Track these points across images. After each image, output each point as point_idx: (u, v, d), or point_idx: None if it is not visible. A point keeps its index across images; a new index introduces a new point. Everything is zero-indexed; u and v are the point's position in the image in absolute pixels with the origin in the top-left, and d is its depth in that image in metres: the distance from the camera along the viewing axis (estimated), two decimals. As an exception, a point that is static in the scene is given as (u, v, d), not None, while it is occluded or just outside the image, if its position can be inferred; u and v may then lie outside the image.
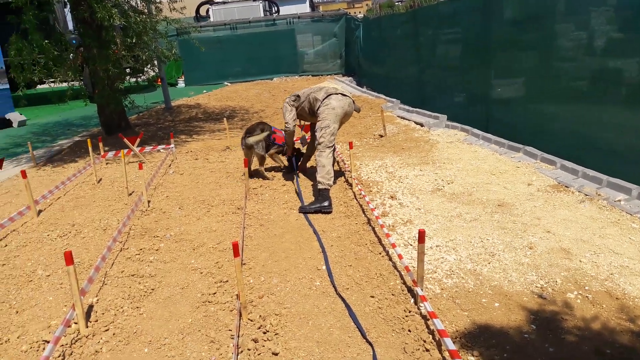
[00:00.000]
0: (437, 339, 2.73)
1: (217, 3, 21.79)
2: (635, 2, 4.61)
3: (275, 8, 22.33)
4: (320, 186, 4.95)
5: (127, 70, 9.11)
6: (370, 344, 2.73)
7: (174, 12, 9.34)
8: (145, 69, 10.25)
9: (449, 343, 2.44)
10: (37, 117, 14.51)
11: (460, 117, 7.74)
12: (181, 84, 19.15)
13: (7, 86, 13.79)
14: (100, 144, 7.37)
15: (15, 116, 13.42)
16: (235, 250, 2.93)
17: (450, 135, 7.21)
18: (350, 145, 5.37)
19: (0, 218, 5.36)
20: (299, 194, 5.31)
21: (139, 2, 8.37)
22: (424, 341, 2.74)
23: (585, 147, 5.19)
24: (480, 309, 3.01)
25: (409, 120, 8.59)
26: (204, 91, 16.89)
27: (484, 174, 5.32)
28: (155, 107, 13.35)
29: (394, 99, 10.48)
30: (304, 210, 4.81)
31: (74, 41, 9.23)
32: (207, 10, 20.98)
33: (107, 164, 7.53)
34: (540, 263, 3.41)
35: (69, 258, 3.02)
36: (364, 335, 2.81)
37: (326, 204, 4.78)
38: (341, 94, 5.21)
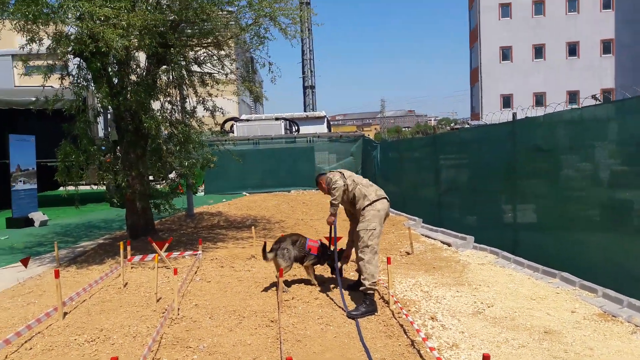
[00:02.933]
0: None
1: (242, 120, 23.09)
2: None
3: (296, 127, 23.57)
4: (368, 292, 5.11)
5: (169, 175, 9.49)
6: None
7: (204, 127, 9.94)
8: (166, 180, 10.68)
9: None
10: (58, 217, 14.72)
11: (483, 239, 7.79)
12: (200, 192, 19.61)
13: (35, 186, 14.25)
14: (129, 247, 7.39)
15: (38, 215, 13.65)
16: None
17: (480, 257, 7.20)
18: (389, 260, 5.36)
19: (25, 319, 5.26)
20: (342, 295, 5.36)
21: (185, 116, 8.98)
22: None
23: (621, 276, 5.16)
24: None
25: (434, 239, 8.64)
26: (224, 200, 17.25)
27: (523, 298, 5.22)
28: (176, 214, 13.54)
29: (415, 217, 10.62)
30: (351, 316, 4.91)
31: (102, 147, 9.72)
32: (232, 126, 22.14)
33: (132, 267, 7.49)
34: (604, 398, 3.23)
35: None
36: None
37: (372, 308, 5.00)
38: (385, 198, 5.49)
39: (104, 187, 19.02)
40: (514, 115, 7.60)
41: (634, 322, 4.33)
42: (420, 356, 4.00)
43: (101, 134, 15.65)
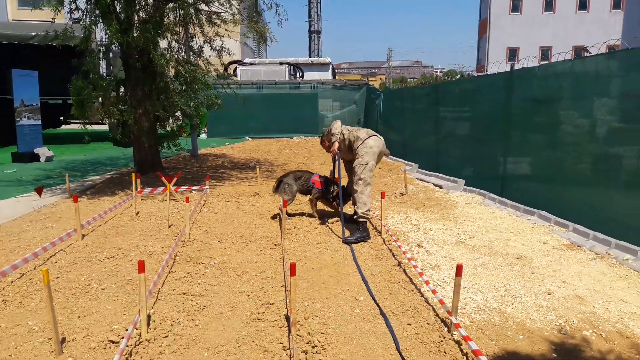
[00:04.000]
0: (471, 358, 3.06)
1: (245, 63, 23.12)
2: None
3: (300, 73, 23.61)
4: (360, 219, 5.71)
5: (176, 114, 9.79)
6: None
7: (210, 67, 10.14)
8: (172, 119, 11.00)
9: (483, 360, 2.79)
10: (62, 154, 15.11)
11: (475, 184, 8.26)
12: (203, 135, 19.95)
13: (40, 122, 14.53)
14: (138, 180, 7.85)
15: (43, 151, 14.02)
16: (293, 270, 3.33)
17: (469, 197, 7.71)
18: (382, 195, 5.84)
19: (46, 239, 5.77)
20: (342, 224, 5.89)
21: (191, 55, 9.20)
22: (459, 362, 3.07)
23: (595, 217, 5.65)
24: (506, 339, 3.35)
25: (427, 182, 9.13)
26: (227, 143, 17.64)
27: (502, 231, 5.75)
28: (181, 154, 13.97)
29: (412, 163, 11.08)
30: (346, 241, 5.49)
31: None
32: (235, 69, 22.18)
33: (141, 199, 7.98)
34: (557, 306, 3.77)
35: (141, 266, 3.41)
36: (398, 350, 3.16)
37: (366, 234, 5.57)
38: (376, 135, 6.05)
39: (107, 126, 19.35)
40: (512, 65, 7.89)
41: (595, 251, 4.87)
42: (405, 273, 4.54)
43: (103, 72, 15.80)
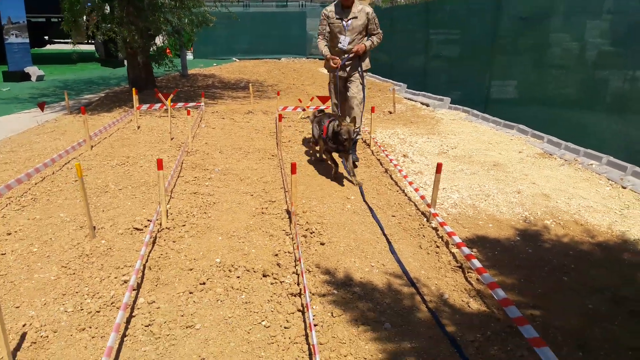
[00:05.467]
0: (445, 240, 3.63)
1: (231, -20, 22.39)
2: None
3: (288, -11, 23.09)
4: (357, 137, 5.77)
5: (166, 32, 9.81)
6: (388, 241, 3.64)
7: None
8: (159, 39, 10.98)
9: (456, 239, 3.34)
10: (52, 74, 15.07)
11: (460, 102, 8.67)
12: (189, 56, 19.79)
13: (27, 40, 14.35)
14: (136, 97, 8.11)
15: (34, 70, 13.98)
16: (294, 168, 3.79)
17: (453, 114, 8.16)
18: (373, 109, 6.24)
19: (56, 149, 6.13)
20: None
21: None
22: (435, 242, 3.64)
23: (570, 130, 6.15)
24: (477, 227, 3.93)
25: (415, 101, 9.52)
26: (214, 64, 17.61)
27: (482, 143, 6.26)
28: (170, 74, 14.04)
29: (401, 83, 11.39)
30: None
31: (88, 4, 9.94)
32: (220, -13, 21.57)
33: (140, 115, 8.28)
34: (525, 202, 4.34)
35: (160, 164, 3.84)
36: (384, 233, 3.72)
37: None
38: None
39: (93, 46, 18.96)
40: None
41: (565, 158, 5.43)
42: (392, 178, 5.05)
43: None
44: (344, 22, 5.19)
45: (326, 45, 5.40)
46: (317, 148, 5.71)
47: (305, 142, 6.64)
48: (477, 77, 8.43)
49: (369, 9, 5.26)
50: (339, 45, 5.30)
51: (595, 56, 6.04)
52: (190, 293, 2.93)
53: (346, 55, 5.29)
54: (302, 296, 2.90)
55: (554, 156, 5.57)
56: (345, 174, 5.12)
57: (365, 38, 5.36)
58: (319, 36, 5.44)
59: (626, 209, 4.18)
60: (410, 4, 12.40)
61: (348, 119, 4.88)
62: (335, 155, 5.11)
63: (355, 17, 5.18)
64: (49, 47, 19.81)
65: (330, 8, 5.29)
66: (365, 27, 5.26)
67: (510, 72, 7.63)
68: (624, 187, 4.61)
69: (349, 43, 5.27)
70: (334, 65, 5.27)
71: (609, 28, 5.91)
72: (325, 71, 6.15)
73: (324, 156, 5.53)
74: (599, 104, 5.86)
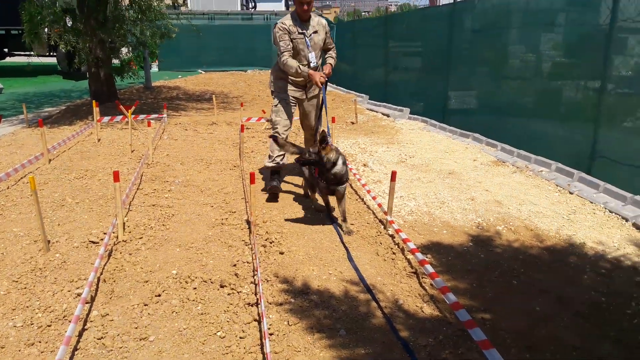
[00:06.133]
0: (401, 247, 3.73)
1: (196, -8, 22.42)
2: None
3: (253, 3, 23.19)
4: None
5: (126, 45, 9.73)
6: (347, 249, 3.71)
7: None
8: (123, 50, 10.90)
9: (411, 245, 3.43)
10: (11, 87, 14.68)
11: (419, 113, 8.90)
12: (154, 68, 19.61)
13: (-13, 52, 13.98)
14: (97, 109, 8.00)
15: (-9, 83, 13.62)
16: (252, 178, 3.83)
17: (412, 124, 8.35)
18: (333, 119, 6.34)
19: (13, 163, 5.99)
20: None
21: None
22: (392, 249, 3.73)
23: (523, 138, 6.40)
24: (432, 234, 4.04)
25: (376, 112, 9.70)
26: (179, 76, 17.48)
27: (439, 152, 6.44)
28: (134, 86, 13.89)
29: (363, 94, 11.58)
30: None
31: (50, 16, 9.81)
32: (185, -1, 21.56)
33: (101, 127, 8.17)
34: (478, 209, 4.49)
35: (116, 176, 3.82)
36: (342, 241, 3.79)
37: None
38: None
39: (55, 59, 18.59)
40: (455, -1, 8.33)
41: (517, 166, 5.64)
42: (351, 187, 5.14)
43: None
44: (306, 38, 4.65)
45: (295, 61, 4.60)
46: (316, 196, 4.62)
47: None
48: (435, 88, 8.67)
49: (324, 21, 4.87)
50: (311, 64, 4.70)
51: (546, 67, 6.31)
52: (145, 305, 2.92)
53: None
54: (258, 306, 2.93)
55: (506, 164, 5.78)
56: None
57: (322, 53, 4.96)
58: (284, 53, 4.57)
59: (573, 214, 4.37)
60: (371, 17, 12.66)
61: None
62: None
63: (316, 32, 4.71)
64: (9, 59, 19.27)
65: (288, 21, 4.63)
66: (324, 42, 4.86)
67: (467, 82, 7.89)
68: (571, 193, 4.83)
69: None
70: (322, 80, 4.49)
71: (560, 40, 6.19)
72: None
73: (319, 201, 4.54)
74: (550, 113, 6.12)
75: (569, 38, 6.04)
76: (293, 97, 4.90)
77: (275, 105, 4.88)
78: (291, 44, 4.63)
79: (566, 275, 3.39)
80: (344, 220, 4.10)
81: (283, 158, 4.90)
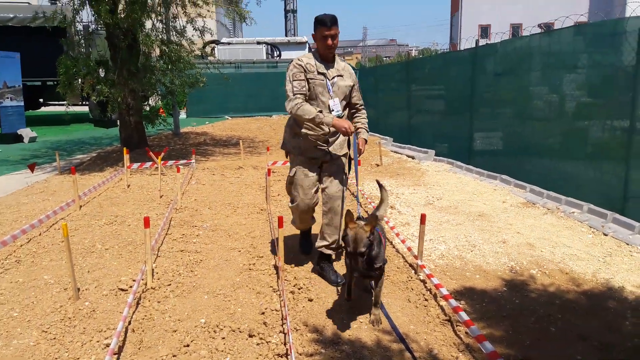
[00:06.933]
0: (433, 293, 3.62)
1: (223, 43, 23.25)
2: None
3: (278, 52, 23.88)
4: None
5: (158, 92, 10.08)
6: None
7: (194, 47, 10.48)
8: (150, 100, 11.29)
9: (444, 291, 3.34)
10: (44, 135, 15.23)
11: (444, 155, 8.88)
12: (182, 115, 20.18)
13: (22, 103, 14.63)
14: (127, 156, 8.20)
15: (26, 132, 14.15)
16: (280, 222, 3.82)
17: (438, 166, 8.31)
18: (359, 162, 6.33)
19: (45, 210, 6.13)
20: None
21: (174, 35, 9.49)
22: (423, 295, 3.63)
23: (550, 179, 6.29)
24: (465, 278, 3.93)
25: (401, 154, 9.70)
26: (207, 122, 17.92)
27: (467, 193, 6.35)
28: (163, 133, 14.26)
29: (387, 137, 11.64)
30: None
31: (83, 67, 10.24)
32: (212, 49, 22.34)
33: (130, 174, 8.34)
34: (511, 252, 4.37)
35: (147, 222, 3.87)
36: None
37: None
38: None
39: (87, 107, 19.31)
40: (477, 42, 8.43)
41: (547, 207, 5.51)
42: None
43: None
44: (327, 80, 3.74)
45: (312, 106, 3.67)
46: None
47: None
48: (460, 129, 8.66)
49: (351, 69, 4.00)
50: (333, 113, 3.71)
51: (571, 107, 6.26)
52: (173, 356, 2.88)
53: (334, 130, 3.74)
54: (288, 357, 2.86)
55: (536, 205, 5.66)
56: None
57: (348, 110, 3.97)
58: (295, 96, 3.66)
59: (609, 257, 4.21)
60: (393, 62, 12.88)
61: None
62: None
63: (341, 76, 3.81)
64: (43, 109, 20.09)
65: (306, 58, 3.78)
66: (350, 93, 3.89)
67: (491, 124, 7.86)
68: (605, 234, 4.67)
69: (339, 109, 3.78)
70: (352, 130, 3.56)
71: (584, 80, 6.15)
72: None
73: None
74: (578, 153, 6.01)
75: (592, 79, 6.01)
76: (313, 158, 3.88)
77: (292, 175, 3.96)
78: (307, 85, 3.69)
79: (606, 320, 3.24)
80: (375, 304, 3.28)
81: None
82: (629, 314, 3.30)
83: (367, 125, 4.04)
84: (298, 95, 3.66)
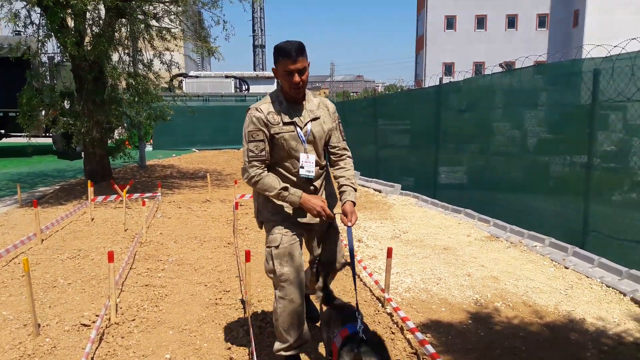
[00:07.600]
0: (400, 326, 3.66)
1: (191, 76, 23.33)
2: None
3: (246, 86, 24.10)
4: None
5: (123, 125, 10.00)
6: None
7: (160, 80, 10.51)
8: (117, 132, 11.20)
9: (410, 324, 3.38)
10: (5, 167, 14.80)
11: (412, 190, 9.07)
12: (148, 147, 19.97)
13: (-20, 135, 14.23)
14: (92, 189, 8.05)
15: (-15, 164, 13.74)
16: (247, 256, 3.82)
17: (404, 200, 8.46)
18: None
19: (4, 244, 5.94)
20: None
21: (141, 68, 9.50)
22: (390, 328, 3.66)
23: (513, 213, 6.49)
24: (431, 311, 3.98)
25: (368, 187, 9.85)
26: (173, 155, 17.77)
27: (432, 227, 6.48)
28: (128, 165, 14.06)
29: (355, 171, 11.80)
30: None
31: (47, 99, 10.12)
32: (180, 82, 22.37)
33: (95, 207, 8.17)
34: (475, 285, 4.46)
35: (111, 256, 3.81)
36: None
37: None
38: None
39: (50, 139, 18.92)
40: (440, 80, 8.76)
41: (510, 241, 5.68)
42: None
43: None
44: (298, 130, 2.85)
45: (276, 178, 2.83)
46: None
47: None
48: (425, 164, 8.89)
49: (329, 103, 3.10)
50: (301, 172, 2.85)
51: (532, 143, 6.53)
52: (137, 393, 2.81)
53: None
54: (255, 391, 2.82)
55: (500, 239, 5.83)
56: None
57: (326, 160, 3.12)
58: (253, 164, 2.81)
59: (570, 289, 4.36)
60: (360, 97, 13.20)
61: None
62: None
63: (317, 118, 2.93)
64: (5, 140, 19.57)
65: (265, 107, 2.84)
66: (328, 135, 3.02)
67: (456, 158, 8.11)
68: (566, 268, 4.84)
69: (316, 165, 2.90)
70: (327, 212, 2.79)
71: (545, 117, 6.45)
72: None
73: None
74: (539, 188, 6.25)
75: (552, 116, 6.30)
76: (296, 223, 2.93)
77: (276, 247, 2.88)
78: (267, 147, 2.82)
79: (569, 352, 3.33)
80: None
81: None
82: (590, 345, 3.41)
83: (354, 179, 3.07)
84: (255, 163, 2.80)
